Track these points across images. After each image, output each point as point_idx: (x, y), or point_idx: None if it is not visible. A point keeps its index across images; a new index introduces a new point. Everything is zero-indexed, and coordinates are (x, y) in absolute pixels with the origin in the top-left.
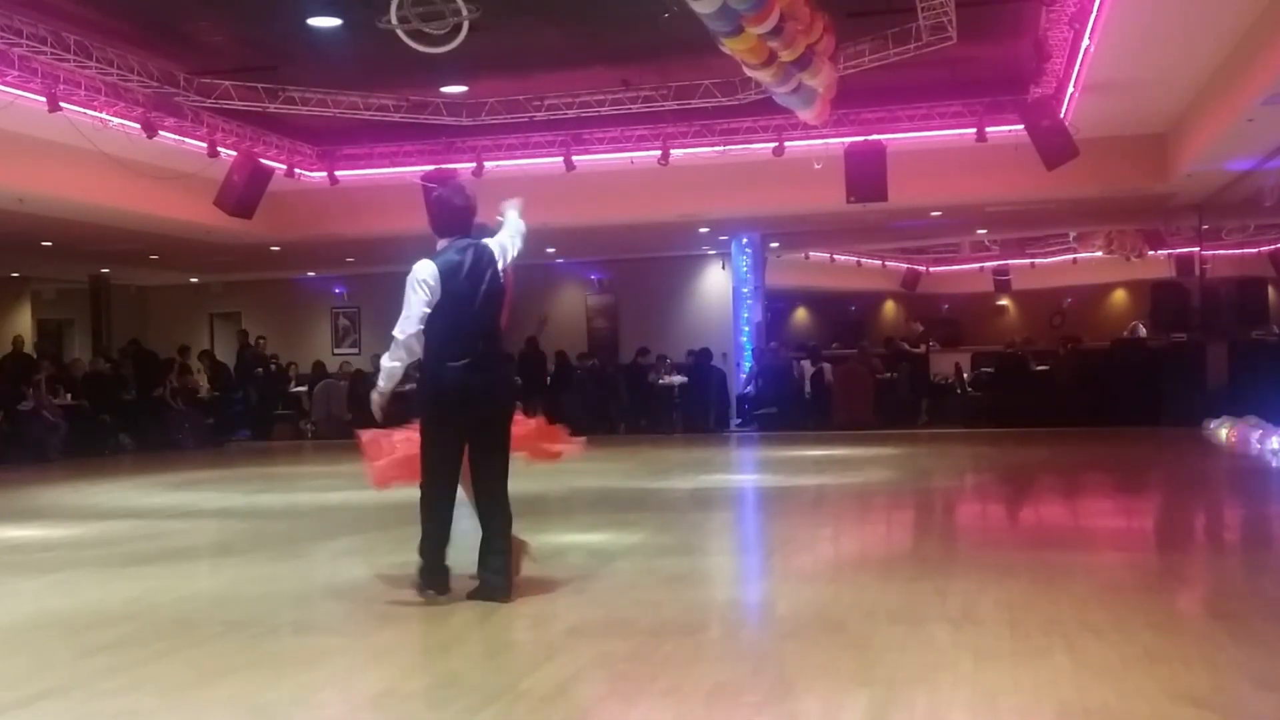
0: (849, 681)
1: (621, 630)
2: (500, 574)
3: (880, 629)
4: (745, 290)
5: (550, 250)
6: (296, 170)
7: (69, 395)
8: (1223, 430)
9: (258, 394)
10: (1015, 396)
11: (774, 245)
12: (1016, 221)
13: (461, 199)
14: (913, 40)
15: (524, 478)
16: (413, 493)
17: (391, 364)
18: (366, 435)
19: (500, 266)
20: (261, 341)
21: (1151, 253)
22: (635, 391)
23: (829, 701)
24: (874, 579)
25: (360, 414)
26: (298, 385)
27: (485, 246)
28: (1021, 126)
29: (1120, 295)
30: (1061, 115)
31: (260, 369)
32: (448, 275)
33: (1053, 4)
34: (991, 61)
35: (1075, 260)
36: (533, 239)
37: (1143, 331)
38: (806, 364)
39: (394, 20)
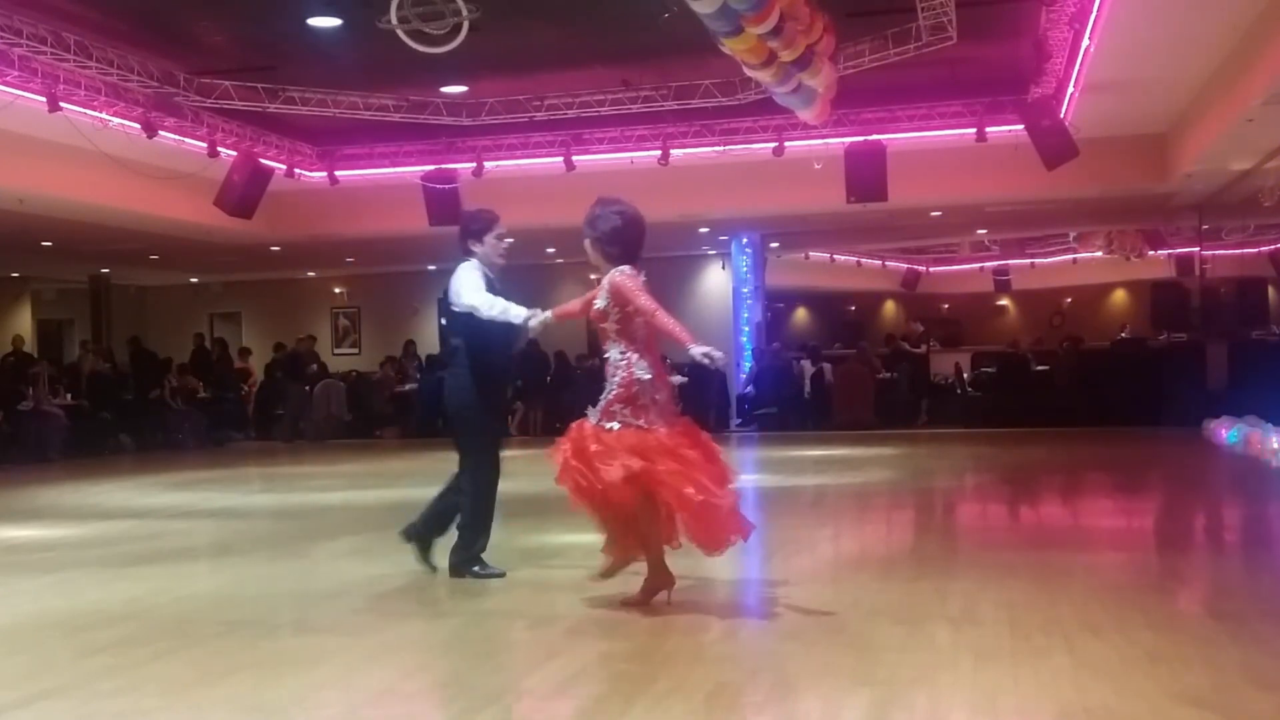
0: (849, 681)
1: (621, 630)
2: (454, 553)
3: (880, 629)
4: (745, 290)
5: (550, 250)
6: (296, 170)
7: (69, 395)
8: (1232, 434)
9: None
10: (1015, 396)
11: (774, 245)
12: (1016, 221)
13: (462, 219)
14: (913, 40)
15: (523, 478)
16: (413, 495)
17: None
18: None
19: (450, 297)
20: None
21: (1151, 253)
22: None
23: (829, 701)
24: (874, 579)
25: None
26: None
27: (456, 271)
28: (1021, 126)
29: (1120, 295)
30: (1061, 115)
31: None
32: None
33: (1053, 4)
34: (991, 61)
35: (1075, 260)
36: (533, 239)
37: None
38: (806, 364)
39: (394, 20)
